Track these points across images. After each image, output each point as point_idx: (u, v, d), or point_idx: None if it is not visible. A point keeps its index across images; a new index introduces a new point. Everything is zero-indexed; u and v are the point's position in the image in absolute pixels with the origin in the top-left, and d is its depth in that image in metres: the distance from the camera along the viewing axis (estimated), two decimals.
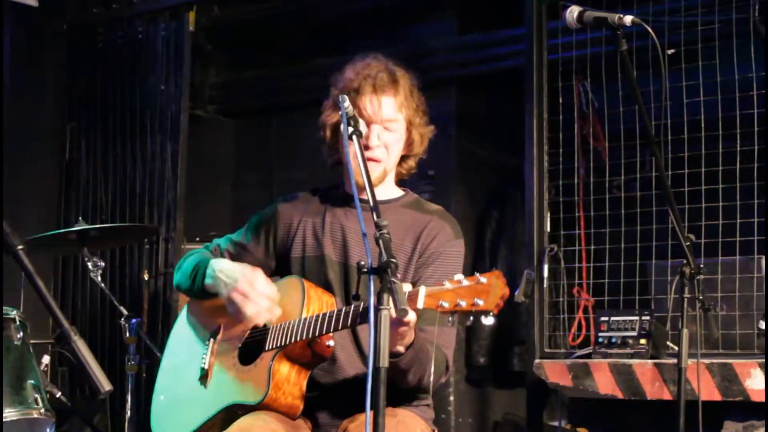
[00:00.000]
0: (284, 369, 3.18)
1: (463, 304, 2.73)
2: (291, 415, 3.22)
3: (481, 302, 2.72)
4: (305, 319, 3.13)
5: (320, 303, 3.23)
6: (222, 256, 3.52)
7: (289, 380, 3.19)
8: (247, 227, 3.56)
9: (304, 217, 3.46)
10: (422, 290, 2.79)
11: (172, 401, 3.51)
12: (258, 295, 3.21)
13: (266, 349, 3.21)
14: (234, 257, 3.51)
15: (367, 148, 3.29)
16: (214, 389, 3.35)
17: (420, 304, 2.79)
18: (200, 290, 3.41)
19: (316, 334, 3.09)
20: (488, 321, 2.77)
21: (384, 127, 3.34)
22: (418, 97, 3.42)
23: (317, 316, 3.10)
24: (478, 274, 2.75)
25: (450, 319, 2.83)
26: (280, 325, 3.19)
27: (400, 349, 2.99)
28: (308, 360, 3.22)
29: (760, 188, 4.59)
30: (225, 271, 3.31)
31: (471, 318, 2.81)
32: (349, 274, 3.34)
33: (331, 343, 3.19)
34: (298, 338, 3.12)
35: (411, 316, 2.85)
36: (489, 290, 2.72)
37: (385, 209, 3.20)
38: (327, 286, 3.33)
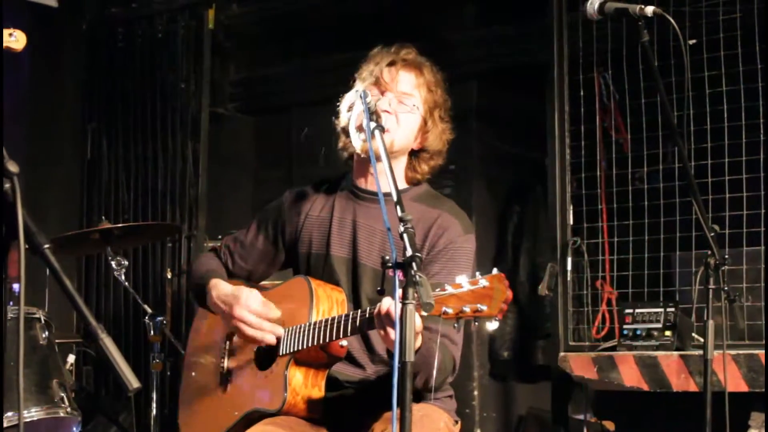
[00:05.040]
0: (300, 374, 3.18)
1: (467, 309, 2.69)
2: (313, 416, 3.22)
3: (484, 308, 2.68)
4: (316, 323, 3.11)
5: (330, 302, 3.22)
6: (232, 260, 3.54)
7: (306, 384, 3.19)
8: (255, 224, 3.54)
9: (311, 211, 3.44)
10: None
11: (196, 404, 3.52)
12: (256, 319, 3.21)
13: (280, 354, 3.20)
14: (243, 257, 3.53)
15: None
16: (234, 394, 3.36)
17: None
18: (204, 306, 3.44)
19: (327, 340, 3.08)
20: (492, 326, 2.74)
21: (398, 99, 3.31)
22: (441, 94, 3.39)
23: (327, 321, 3.08)
24: (479, 276, 2.70)
25: (456, 324, 2.80)
26: (292, 329, 3.17)
27: None
28: (323, 361, 3.21)
29: None
30: (221, 297, 3.31)
31: (476, 323, 2.79)
32: (358, 271, 3.31)
33: (345, 343, 3.17)
34: (310, 343, 3.11)
35: (417, 323, 2.80)
36: (492, 294, 2.67)
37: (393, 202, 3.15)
38: (334, 283, 3.31)
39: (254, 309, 3.21)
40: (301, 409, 3.19)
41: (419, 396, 3.24)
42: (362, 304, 3.28)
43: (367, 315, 2.97)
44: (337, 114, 3.45)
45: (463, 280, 2.72)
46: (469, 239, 3.32)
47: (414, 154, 3.40)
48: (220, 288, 3.34)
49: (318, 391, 3.21)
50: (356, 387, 3.28)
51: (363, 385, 3.28)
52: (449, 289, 2.72)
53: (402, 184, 3.39)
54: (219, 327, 3.47)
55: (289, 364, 3.16)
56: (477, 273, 2.72)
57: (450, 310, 2.70)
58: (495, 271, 2.72)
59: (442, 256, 3.25)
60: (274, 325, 3.21)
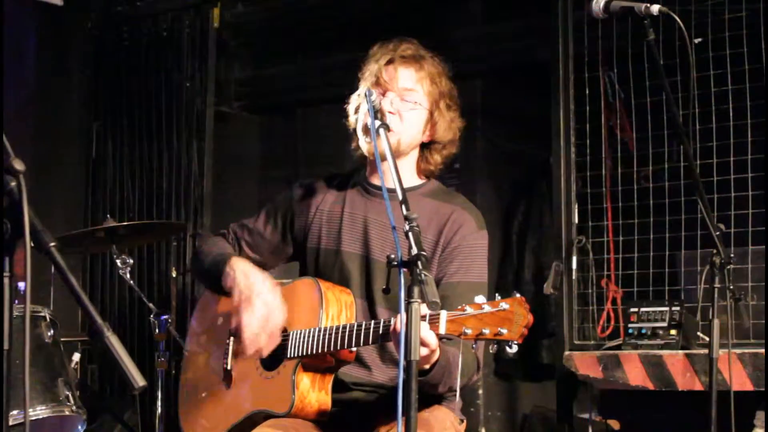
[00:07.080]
0: (308, 378, 3.17)
1: (487, 332, 2.70)
2: (320, 418, 3.22)
3: (505, 331, 2.69)
4: (327, 329, 3.10)
5: (339, 305, 3.20)
6: (239, 244, 3.50)
7: (314, 387, 3.18)
8: (264, 213, 3.50)
9: (321, 205, 3.41)
10: (443, 315, 2.76)
11: (198, 400, 3.50)
12: (265, 334, 3.15)
13: (287, 356, 3.18)
14: (250, 245, 3.49)
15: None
16: (238, 394, 3.34)
17: (442, 330, 2.76)
18: (217, 286, 3.36)
19: (338, 348, 3.07)
20: (512, 350, 2.73)
21: (400, 97, 3.27)
22: (446, 83, 3.35)
23: (340, 329, 3.06)
24: (499, 298, 2.71)
25: (474, 345, 2.79)
26: (302, 332, 3.15)
27: (426, 367, 2.93)
28: (331, 365, 3.20)
29: None
30: (247, 273, 3.25)
31: (495, 345, 2.78)
32: (371, 267, 3.29)
33: (354, 348, 3.15)
34: (321, 350, 3.09)
35: (432, 341, 2.80)
36: (512, 318, 2.68)
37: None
38: (344, 280, 3.29)
39: (273, 320, 3.16)
40: (308, 413, 3.18)
41: (432, 399, 3.23)
42: (376, 301, 3.27)
43: (381, 330, 2.96)
44: (346, 116, 3.43)
45: (482, 299, 2.73)
46: (483, 235, 3.32)
47: (425, 147, 3.38)
48: (247, 267, 3.27)
49: (325, 395, 3.20)
50: (363, 389, 3.28)
51: (370, 387, 3.27)
52: (469, 310, 2.73)
53: (415, 179, 3.38)
54: (223, 322, 3.45)
55: (297, 368, 3.14)
56: (497, 295, 2.72)
57: (469, 331, 2.71)
58: (517, 294, 2.73)
59: (458, 253, 3.25)
60: (272, 345, 3.18)
